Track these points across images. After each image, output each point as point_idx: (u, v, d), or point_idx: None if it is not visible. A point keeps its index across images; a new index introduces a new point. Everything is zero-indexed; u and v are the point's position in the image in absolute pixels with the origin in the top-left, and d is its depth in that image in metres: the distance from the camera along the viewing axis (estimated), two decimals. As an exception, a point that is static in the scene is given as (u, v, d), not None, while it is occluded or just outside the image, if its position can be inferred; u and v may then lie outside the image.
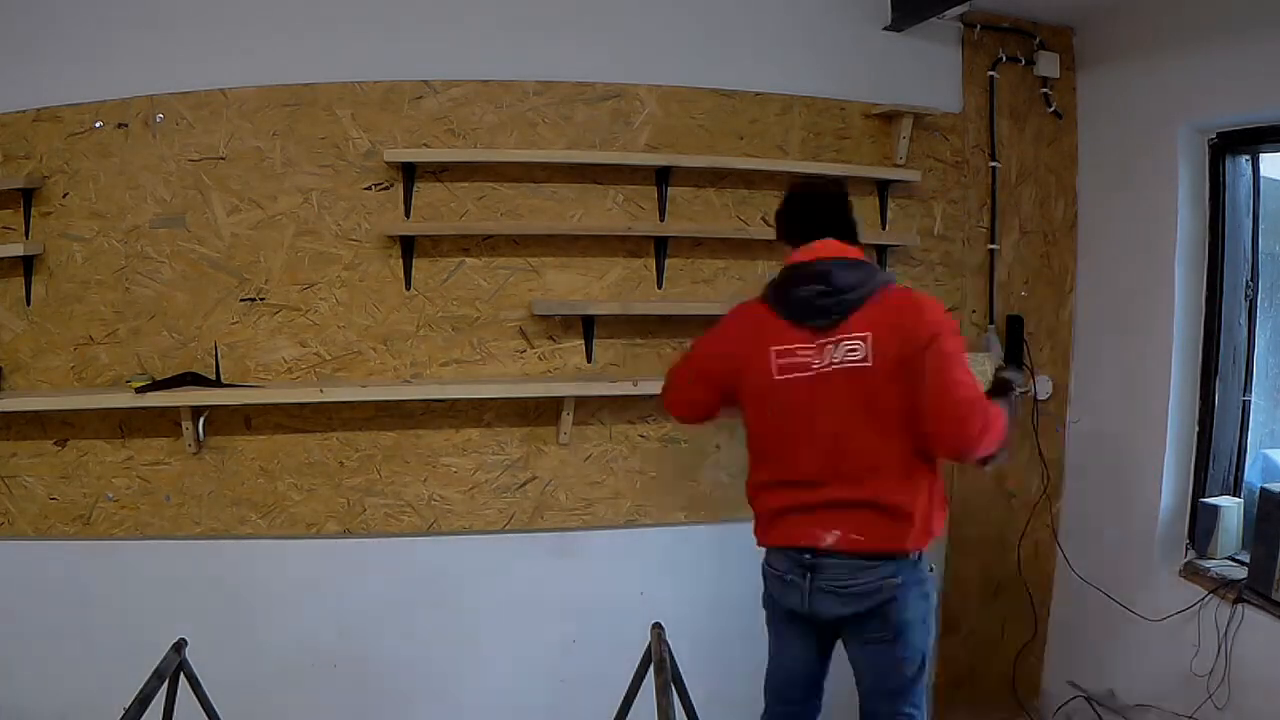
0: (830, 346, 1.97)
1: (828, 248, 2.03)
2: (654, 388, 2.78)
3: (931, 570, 2.09)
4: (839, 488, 1.98)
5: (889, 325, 1.94)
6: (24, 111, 2.57)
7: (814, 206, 2.11)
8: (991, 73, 3.08)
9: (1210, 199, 2.77)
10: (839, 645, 2.17)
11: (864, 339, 1.94)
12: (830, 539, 1.99)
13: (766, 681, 2.26)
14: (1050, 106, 3.13)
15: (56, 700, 2.68)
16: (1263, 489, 2.59)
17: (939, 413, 1.89)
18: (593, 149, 2.82)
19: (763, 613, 2.25)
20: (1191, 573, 2.75)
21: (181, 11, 2.61)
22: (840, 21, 2.97)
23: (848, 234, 2.09)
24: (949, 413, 1.88)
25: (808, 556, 2.01)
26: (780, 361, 2.00)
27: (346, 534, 2.81)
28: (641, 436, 2.95)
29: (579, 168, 2.81)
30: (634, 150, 2.85)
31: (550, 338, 2.87)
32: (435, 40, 2.73)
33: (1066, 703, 3.10)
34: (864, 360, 1.94)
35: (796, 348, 1.99)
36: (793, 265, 2.06)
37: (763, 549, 2.17)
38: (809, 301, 1.99)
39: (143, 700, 1.89)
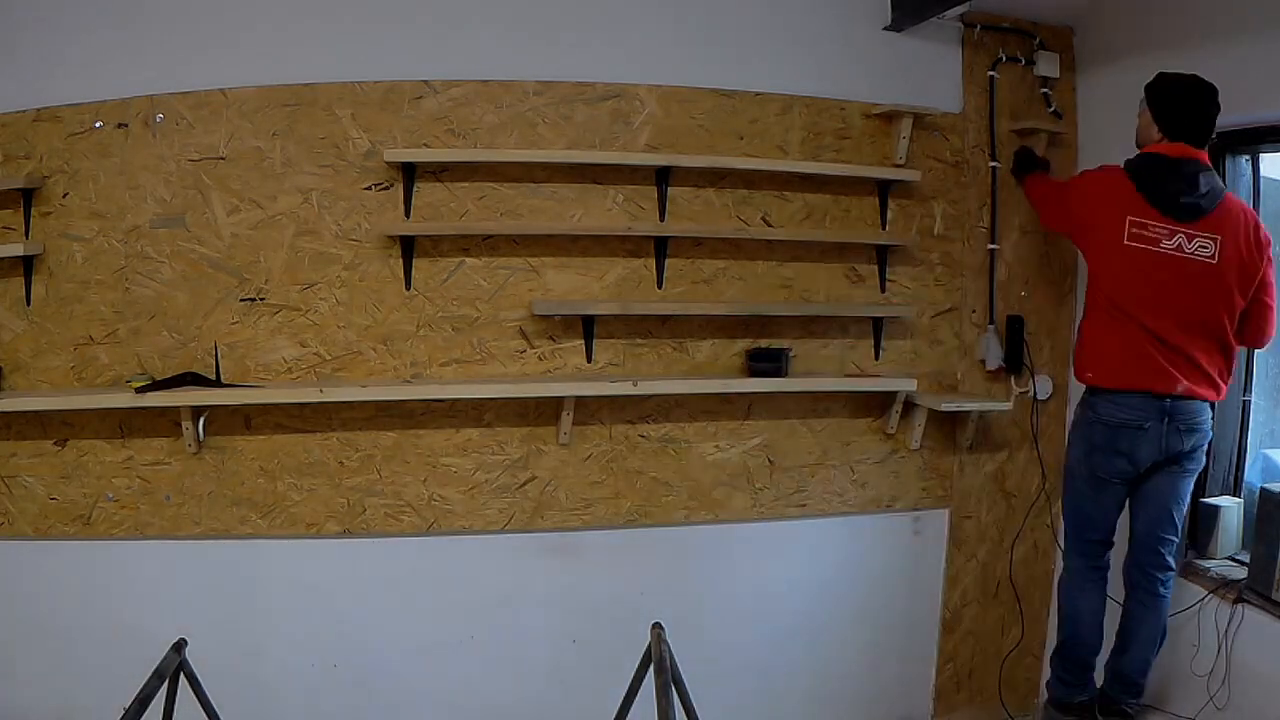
0: (1182, 235, 2.40)
1: (1187, 150, 2.41)
2: (654, 387, 2.81)
3: None
4: (1180, 348, 2.44)
5: (1234, 235, 2.41)
6: (24, 111, 2.57)
7: (1207, 110, 2.40)
8: (991, 73, 3.08)
9: (1210, 199, 2.76)
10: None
11: (1214, 240, 2.40)
12: (1180, 387, 2.45)
13: (1083, 533, 2.69)
14: (1050, 106, 3.13)
15: (56, 700, 2.68)
16: (1263, 489, 2.59)
17: (1258, 323, 2.52)
18: (593, 149, 2.82)
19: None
20: (1191, 573, 2.75)
21: (182, 11, 2.61)
22: (840, 21, 2.97)
23: (1208, 139, 2.45)
24: (1264, 326, 2.53)
25: (1167, 402, 2.46)
26: (1133, 230, 2.42)
27: (346, 534, 2.81)
28: (641, 436, 2.95)
29: (579, 168, 2.81)
30: (634, 150, 2.85)
31: (550, 338, 2.87)
32: (435, 40, 2.73)
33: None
34: (1211, 257, 2.40)
35: (1150, 224, 2.41)
36: (1164, 159, 2.42)
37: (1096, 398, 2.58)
38: (1174, 198, 2.39)
39: (143, 700, 1.88)
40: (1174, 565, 2.64)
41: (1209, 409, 2.53)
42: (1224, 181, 2.75)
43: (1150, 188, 2.43)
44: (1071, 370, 3.21)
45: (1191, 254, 2.41)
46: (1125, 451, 2.51)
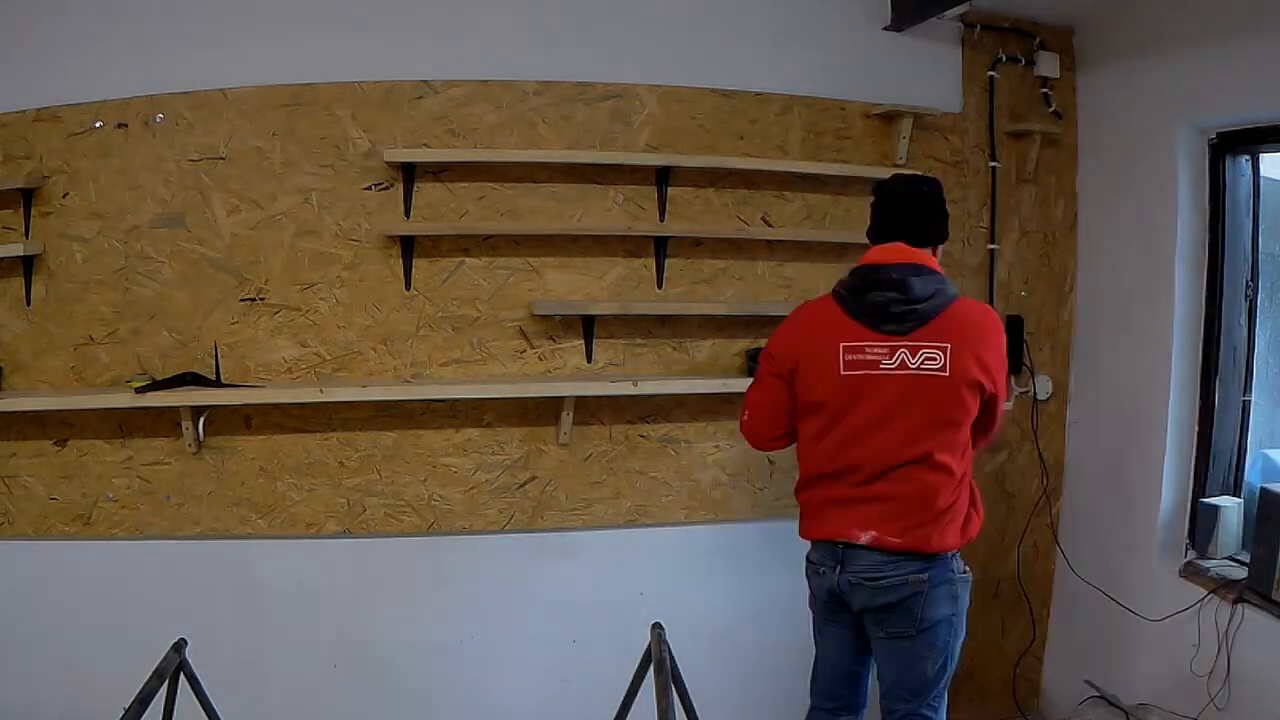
0: (904, 350, 2.05)
1: (901, 253, 2.09)
2: (654, 387, 2.80)
3: (966, 571, 2.17)
4: (890, 484, 2.08)
5: (967, 344, 2.05)
6: (24, 111, 2.57)
7: (898, 207, 2.16)
8: (991, 73, 3.08)
9: (1210, 199, 2.77)
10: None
11: (943, 350, 2.04)
12: (866, 537, 2.10)
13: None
14: (1050, 106, 3.13)
15: (56, 700, 2.68)
16: (1263, 489, 2.59)
17: (987, 437, 2.24)
18: (593, 149, 2.82)
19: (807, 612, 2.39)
20: (1191, 573, 2.75)
21: (181, 11, 2.61)
22: (840, 21, 2.97)
23: (931, 238, 2.16)
24: (991, 438, 2.28)
25: (841, 548, 2.14)
26: (849, 358, 2.08)
27: (346, 534, 2.81)
28: (641, 436, 2.95)
29: (579, 168, 2.81)
30: (634, 150, 2.85)
31: (550, 338, 2.87)
32: (435, 40, 2.73)
33: (1083, 701, 3.09)
34: (942, 370, 2.04)
35: (866, 345, 2.07)
36: (867, 268, 2.11)
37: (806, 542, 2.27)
38: (884, 308, 2.06)
39: (143, 700, 1.89)
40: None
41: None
42: (1223, 182, 2.75)
43: (858, 303, 2.08)
44: (1070, 373, 3.23)
45: (917, 369, 2.04)
46: (821, 597, 2.26)
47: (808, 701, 2.45)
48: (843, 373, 2.07)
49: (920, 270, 2.07)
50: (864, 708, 2.35)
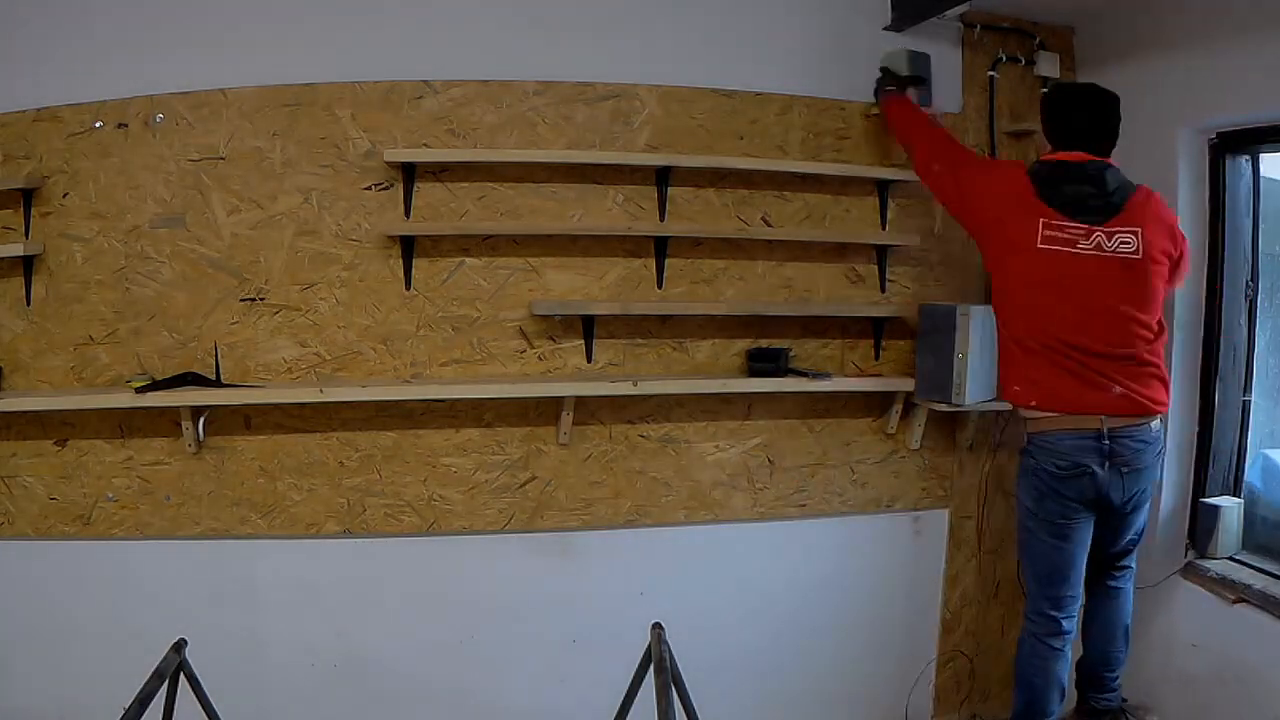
0: (1100, 235, 2.30)
1: (1089, 156, 2.36)
2: (654, 387, 2.80)
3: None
4: (1113, 358, 2.33)
5: (1152, 227, 2.35)
6: (24, 111, 2.57)
7: (1095, 115, 2.39)
8: (991, 73, 3.08)
9: (1210, 199, 2.77)
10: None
11: (1135, 234, 2.32)
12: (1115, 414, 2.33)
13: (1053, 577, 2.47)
14: (1050, 106, 3.13)
15: (56, 700, 2.68)
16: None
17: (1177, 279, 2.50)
18: (593, 149, 2.82)
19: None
20: (1191, 573, 2.75)
21: (182, 11, 2.61)
22: (840, 21, 2.97)
23: (1111, 145, 2.41)
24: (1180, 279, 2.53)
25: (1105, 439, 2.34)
26: (1047, 233, 2.31)
27: (346, 534, 2.81)
28: (641, 436, 2.95)
29: (579, 168, 2.81)
30: (634, 150, 2.85)
31: (550, 338, 2.87)
32: (435, 40, 2.73)
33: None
34: (1135, 252, 2.32)
35: (1065, 224, 2.31)
36: (1063, 163, 2.36)
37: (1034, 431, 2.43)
38: (1082, 200, 2.32)
39: (143, 700, 1.89)
40: (1133, 565, 2.58)
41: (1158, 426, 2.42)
42: (1223, 182, 2.75)
43: (1055, 194, 2.34)
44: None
45: (1115, 253, 2.33)
46: (1074, 499, 2.39)
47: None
48: (1039, 245, 2.30)
49: (1108, 166, 2.35)
50: None
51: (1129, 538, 2.50)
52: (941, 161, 2.59)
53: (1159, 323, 2.40)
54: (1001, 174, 2.49)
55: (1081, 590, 2.49)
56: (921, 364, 2.91)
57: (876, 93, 2.90)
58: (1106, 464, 2.33)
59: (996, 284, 2.50)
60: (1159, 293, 2.38)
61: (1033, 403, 2.40)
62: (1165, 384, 2.41)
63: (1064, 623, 2.45)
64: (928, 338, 2.89)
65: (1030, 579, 2.51)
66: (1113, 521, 2.44)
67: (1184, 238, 2.46)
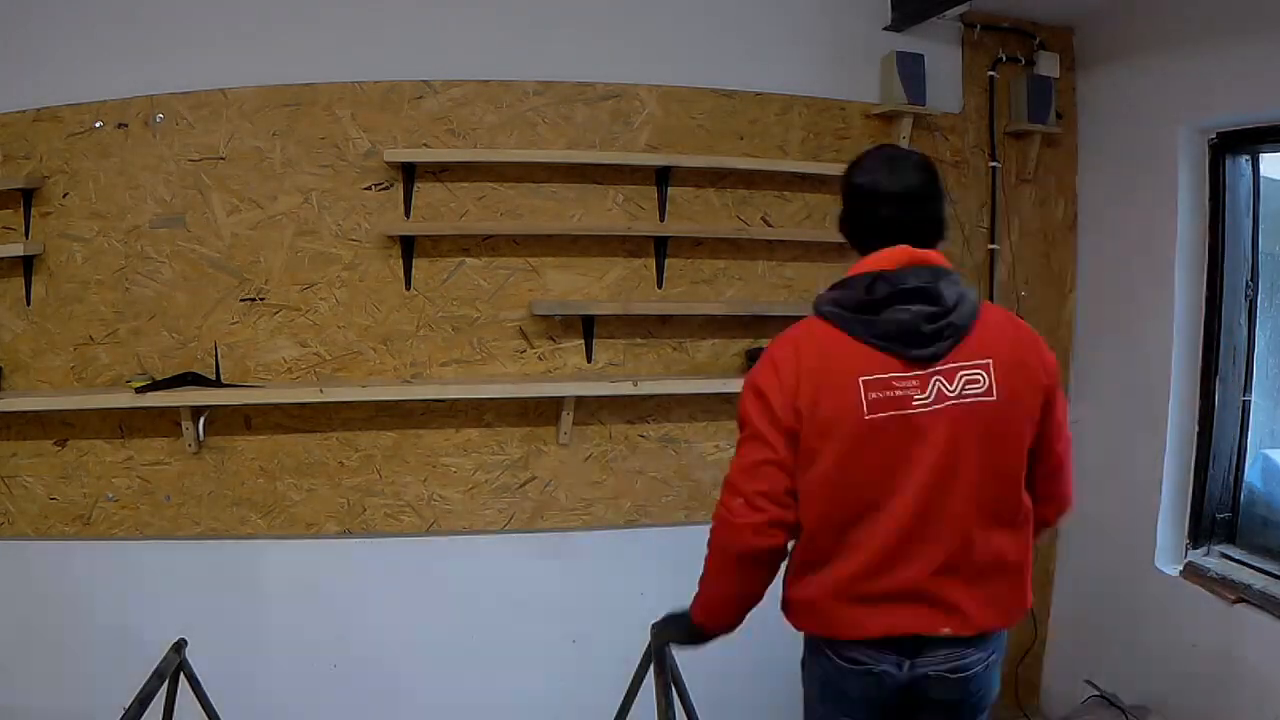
0: (939, 378, 1.57)
1: (911, 254, 1.61)
2: (654, 387, 2.80)
3: None
4: (967, 555, 1.61)
5: (1008, 352, 1.61)
6: (24, 111, 2.57)
7: (896, 202, 1.64)
8: (991, 73, 3.08)
9: (1210, 199, 2.77)
10: None
11: (985, 368, 1.58)
12: (947, 628, 1.63)
13: None
14: (1050, 107, 3.13)
15: (56, 700, 2.68)
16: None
17: (1061, 476, 1.72)
18: (593, 149, 2.82)
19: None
20: (1191, 573, 2.75)
21: (182, 11, 2.61)
22: (840, 21, 2.97)
23: (937, 235, 1.67)
24: (1066, 477, 1.73)
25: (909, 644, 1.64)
26: (872, 397, 1.56)
27: (346, 534, 2.81)
28: (641, 436, 2.95)
29: (579, 168, 2.81)
30: (634, 150, 2.85)
31: (550, 338, 2.87)
32: (435, 40, 2.73)
33: (1084, 701, 3.09)
34: (988, 394, 1.58)
35: (892, 378, 1.57)
36: (876, 275, 1.60)
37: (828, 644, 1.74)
38: (913, 326, 1.56)
39: (143, 700, 1.89)
40: None
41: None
42: (1223, 182, 2.75)
43: (871, 326, 1.59)
44: (1070, 373, 3.22)
45: (958, 397, 1.58)
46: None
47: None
48: (867, 417, 1.56)
49: (940, 272, 1.60)
50: None
51: None
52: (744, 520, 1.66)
53: (1026, 513, 1.67)
54: (779, 359, 1.66)
55: None
56: None
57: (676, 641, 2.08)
58: (908, 664, 1.64)
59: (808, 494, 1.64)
60: (1024, 455, 1.64)
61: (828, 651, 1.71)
62: (1028, 586, 1.71)
63: None
64: None
65: None
66: None
67: (1052, 364, 1.68)
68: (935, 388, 1.58)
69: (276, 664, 2.79)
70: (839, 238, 2.82)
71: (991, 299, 3.12)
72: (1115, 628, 2.96)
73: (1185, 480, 2.83)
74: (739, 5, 2.91)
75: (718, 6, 2.90)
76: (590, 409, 2.89)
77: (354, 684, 2.84)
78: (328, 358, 2.76)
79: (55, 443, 2.66)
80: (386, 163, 2.69)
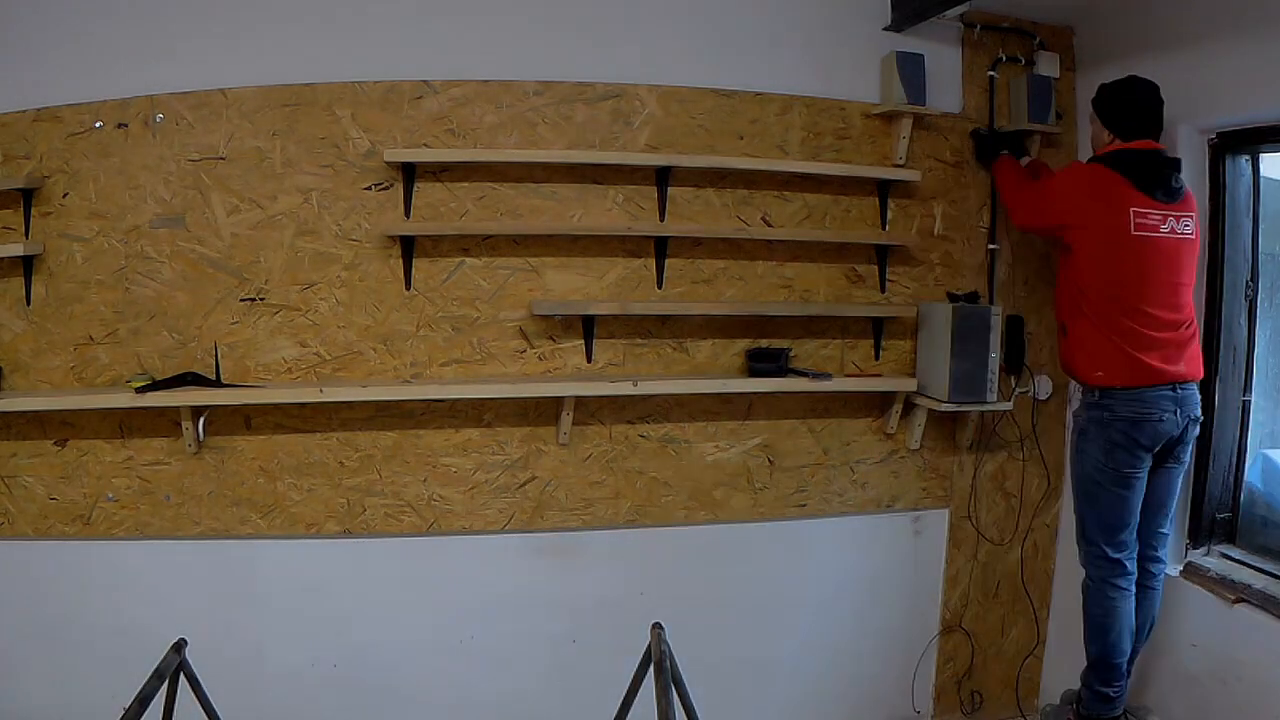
0: (1173, 218, 2.54)
1: (1154, 144, 2.59)
2: (654, 387, 2.81)
3: None
4: (1181, 329, 2.58)
5: (1197, 212, 2.62)
6: (24, 111, 2.57)
7: (1154, 105, 2.58)
8: (991, 73, 3.08)
9: (1210, 199, 2.77)
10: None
11: (1193, 217, 2.59)
12: (1183, 370, 2.57)
13: (1115, 535, 2.64)
14: (1050, 107, 3.13)
15: (56, 700, 2.68)
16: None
17: None
18: (593, 149, 2.82)
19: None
20: (1191, 573, 2.75)
21: (181, 11, 2.61)
22: (840, 21, 2.97)
23: (1161, 129, 2.63)
24: None
25: (1178, 390, 2.56)
26: (1139, 220, 2.53)
27: (346, 534, 2.81)
28: (641, 436, 2.95)
29: (579, 168, 2.81)
30: (634, 150, 2.85)
31: (550, 338, 2.87)
32: (435, 40, 2.73)
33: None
34: (1192, 234, 2.58)
35: (1152, 210, 2.53)
36: (1143, 152, 2.57)
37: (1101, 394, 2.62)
38: (1168, 181, 2.55)
39: (143, 700, 1.89)
40: (1166, 558, 2.70)
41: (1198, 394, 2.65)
42: (1223, 182, 2.76)
43: (1144, 180, 2.54)
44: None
45: (1181, 234, 2.56)
46: (1147, 445, 2.57)
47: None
48: (1134, 232, 2.51)
49: (1171, 156, 2.62)
50: None
51: (1171, 500, 2.67)
52: (1029, 216, 2.81)
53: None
54: (1083, 178, 2.64)
55: (1136, 538, 2.65)
56: (955, 367, 2.87)
57: (978, 156, 3.07)
58: (1178, 411, 2.55)
59: (1080, 276, 2.63)
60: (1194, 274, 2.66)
61: (1118, 384, 2.57)
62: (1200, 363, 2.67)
63: (1127, 564, 2.63)
64: (958, 339, 2.87)
65: (1095, 528, 2.67)
66: (1164, 476, 2.63)
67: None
68: (1170, 224, 2.54)
69: (276, 664, 2.79)
70: (839, 237, 2.86)
71: (991, 299, 3.12)
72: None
73: (1185, 480, 2.83)
74: (739, 5, 2.91)
75: (717, 7, 2.90)
76: (590, 409, 2.89)
77: (353, 684, 2.84)
78: (328, 358, 2.76)
79: (55, 443, 2.66)
80: (386, 163, 2.69)
